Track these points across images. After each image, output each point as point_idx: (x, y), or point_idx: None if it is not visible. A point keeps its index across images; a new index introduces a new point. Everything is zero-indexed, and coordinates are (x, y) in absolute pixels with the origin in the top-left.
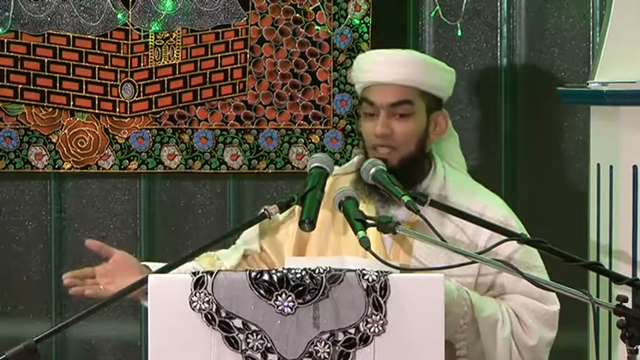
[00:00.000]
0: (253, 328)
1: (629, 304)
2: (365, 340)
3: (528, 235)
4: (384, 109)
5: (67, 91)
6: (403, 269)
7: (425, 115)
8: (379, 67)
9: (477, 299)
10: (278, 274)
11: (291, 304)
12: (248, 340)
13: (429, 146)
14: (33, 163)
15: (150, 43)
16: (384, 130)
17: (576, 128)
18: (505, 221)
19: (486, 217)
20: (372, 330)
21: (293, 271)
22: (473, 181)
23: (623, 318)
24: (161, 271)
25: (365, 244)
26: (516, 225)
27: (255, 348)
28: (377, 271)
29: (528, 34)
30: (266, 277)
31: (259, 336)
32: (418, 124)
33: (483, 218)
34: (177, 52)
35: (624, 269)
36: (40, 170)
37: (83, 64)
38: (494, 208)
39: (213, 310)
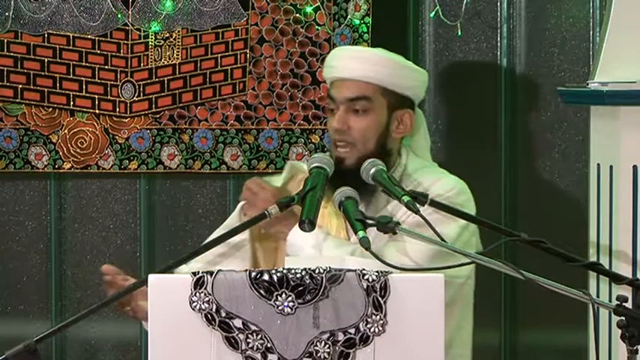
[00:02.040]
0: (253, 328)
1: (629, 304)
2: (365, 340)
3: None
4: (343, 105)
5: (67, 91)
6: (403, 269)
7: (386, 112)
8: (341, 63)
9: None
10: (278, 274)
11: (291, 304)
12: (248, 340)
13: (392, 144)
14: (33, 163)
15: (150, 43)
16: (341, 125)
17: (576, 128)
18: (450, 194)
19: (431, 191)
20: (372, 330)
21: (293, 271)
22: (437, 167)
23: (623, 318)
24: (161, 271)
25: (365, 244)
26: (463, 202)
27: (255, 348)
28: (377, 271)
29: (528, 34)
30: (266, 277)
31: (259, 336)
32: (377, 120)
33: (428, 192)
34: (177, 52)
35: (624, 269)
36: (40, 170)
37: (83, 64)
38: (444, 182)
39: (213, 310)
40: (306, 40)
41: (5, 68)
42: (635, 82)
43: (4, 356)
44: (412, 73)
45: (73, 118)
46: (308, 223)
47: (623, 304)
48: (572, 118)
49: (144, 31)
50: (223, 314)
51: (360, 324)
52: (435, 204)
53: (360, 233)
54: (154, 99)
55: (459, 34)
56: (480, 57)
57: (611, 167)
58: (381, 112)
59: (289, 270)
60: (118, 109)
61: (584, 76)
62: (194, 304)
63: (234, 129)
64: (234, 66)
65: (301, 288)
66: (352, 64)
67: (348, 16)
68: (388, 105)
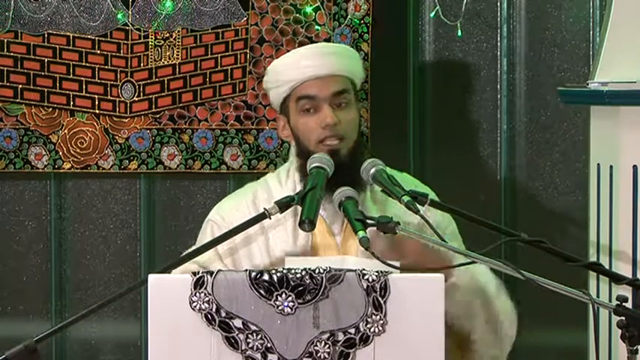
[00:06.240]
0: (253, 328)
1: (629, 304)
2: (365, 340)
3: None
4: (326, 101)
5: (67, 91)
6: (403, 269)
7: (356, 105)
8: (317, 61)
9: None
10: (278, 274)
11: (291, 304)
12: (248, 340)
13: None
14: (33, 163)
15: (150, 43)
16: (335, 119)
17: (576, 128)
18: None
19: None
20: (372, 330)
21: (293, 271)
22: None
23: (623, 318)
24: (161, 271)
25: (365, 244)
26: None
27: (255, 348)
28: (377, 271)
29: (528, 34)
30: (266, 277)
31: (259, 336)
32: (356, 114)
33: None
34: (177, 52)
35: (624, 269)
36: (40, 170)
37: (83, 64)
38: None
39: (213, 310)
40: (306, 40)
41: (5, 68)
42: (635, 82)
43: (4, 356)
44: (362, 65)
45: (73, 118)
46: (308, 223)
47: (623, 304)
48: (572, 118)
49: (144, 31)
50: (223, 314)
51: (360, 324)
52: (435, 204)
53: (360, 233)
54: (153, 99)
55: (459, 34)
56: (480, 57)
57: (611, 167)
58: (356, 105)
59: (289, 270)
60: (118, 109)
61: (584, 76)
62: (194, 304)
63: (234, 129)
64: (234, 66)
65: (301, 288)
66: (329, 59)
67: (348, 16)
68: (355, 98)
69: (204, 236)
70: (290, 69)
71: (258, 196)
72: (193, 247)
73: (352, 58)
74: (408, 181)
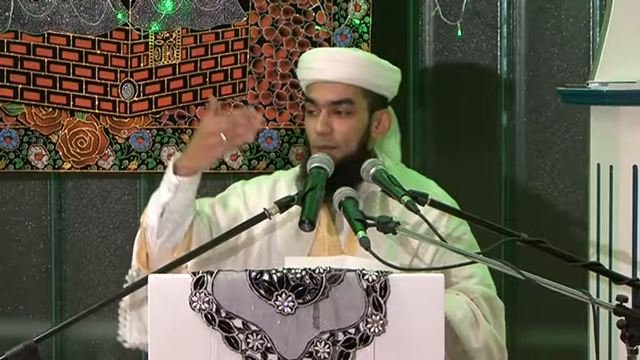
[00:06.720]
0: (253, 328)
1: (629, 304)
2: (365, 340)
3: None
4: (325, 108)
5: (67, 91)
6: (403, 269)
7: (367, 113)
8: (322, 65)
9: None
10: (278, 274)
11: (291, 304)
12: (248, 340)
13: (372, 144)
14: (33, 163)
15: (150, 43)
16: (324, 128)
17: (576, 128)
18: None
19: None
20: (372, 330)
21: (293, 271)
22: (411, 172)
23: (623, 318)
24: (161, 271)
25: (365, 244)
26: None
27: (255, 348)
28: (377, 271)
29: (528, 34)
30: (266, 277)
31: (259, 336)
32: (359, 122)
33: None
34: (177, 52)
35: (624, 269)
36: (40, 170)
37: (83, 64)
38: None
39: (213, 310)
40: (306, 40)
41: (5, 68)
42: (635, 82)
43: (4, 356)
44: (389, 73)
45: (73, 118)
46: (308, 223)
47: (623, 304)
48: (572, 118)
49: (144, 31)
50: (223, 314)
51: (360, 324)
52: (435, 204)
53: (360, 233)
54: (153, 99)
55: (459, 34)
56: (480, 57)
57: (611, 167)
58: (363, 113)
59: (289, 270)
60: (118, 109)
61: (584, 76)
62: (194, 304)
63: None
64: (234, 66)
65: (301, 288)
66: (333, 66)
67: (348, 16)
68: (369, 106)
69: (223, 194)
70: (303, 68)
71: (280, 184)
72: None
73: (367, 66)
74: (433, 190)
